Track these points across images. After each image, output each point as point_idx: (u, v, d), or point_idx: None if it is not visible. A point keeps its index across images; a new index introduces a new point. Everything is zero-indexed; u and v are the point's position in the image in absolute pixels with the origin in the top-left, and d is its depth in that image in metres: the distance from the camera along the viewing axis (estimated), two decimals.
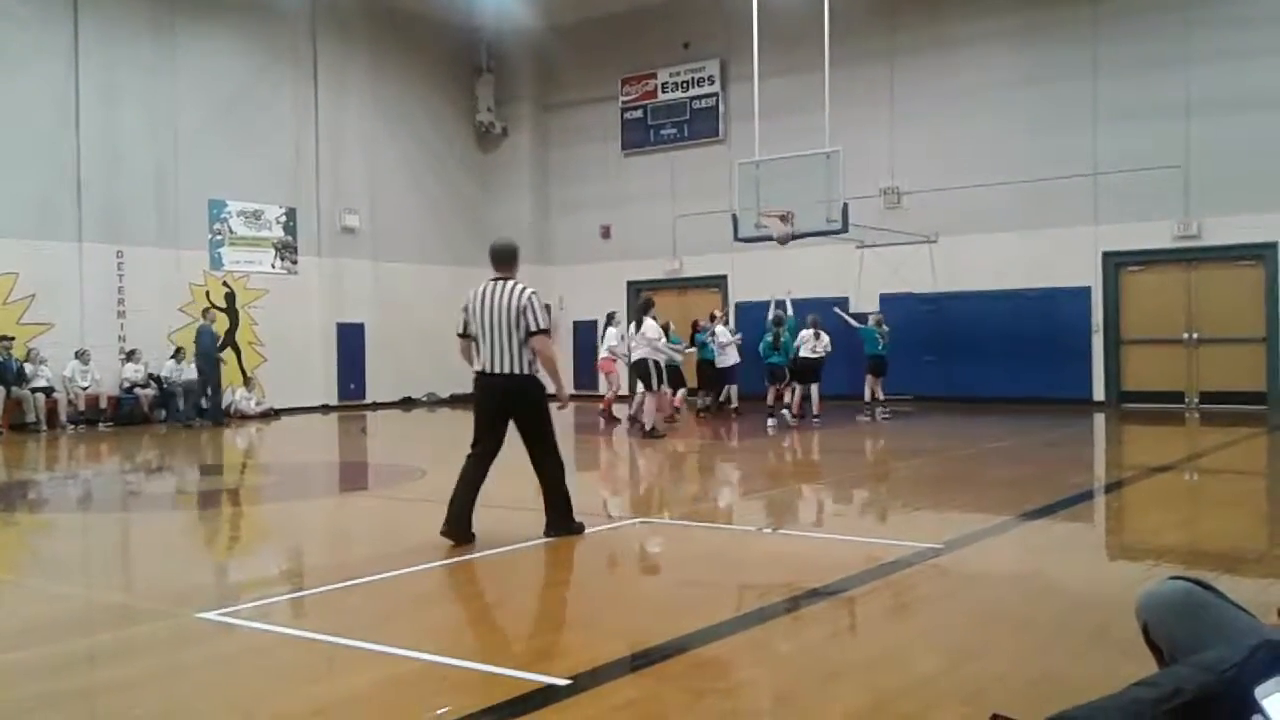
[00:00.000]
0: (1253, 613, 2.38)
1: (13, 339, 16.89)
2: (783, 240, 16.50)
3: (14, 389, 16.79)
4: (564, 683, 3.82)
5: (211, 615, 5.02)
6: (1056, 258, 18.62)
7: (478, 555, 6.52)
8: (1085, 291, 18.61)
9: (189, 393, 18.80)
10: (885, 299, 20.34)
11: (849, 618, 5.12)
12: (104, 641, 4.81)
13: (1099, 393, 18.57)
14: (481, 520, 6.78)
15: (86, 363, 17.76)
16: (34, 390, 17.08)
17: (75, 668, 4.44)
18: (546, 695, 3.71)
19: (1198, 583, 2.40)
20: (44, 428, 17.01)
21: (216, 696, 4.02)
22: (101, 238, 18.23)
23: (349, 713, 3.78)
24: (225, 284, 20.19)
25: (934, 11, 19.89)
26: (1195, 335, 17.90)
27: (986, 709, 3.19)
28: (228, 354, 19.74)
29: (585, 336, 24.39)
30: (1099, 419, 17.27)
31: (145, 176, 18.84)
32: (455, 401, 23.64)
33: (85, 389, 17.77)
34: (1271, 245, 17.12)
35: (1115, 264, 18.52)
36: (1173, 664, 2.19)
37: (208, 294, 19.84)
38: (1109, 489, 10.02)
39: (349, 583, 5.79)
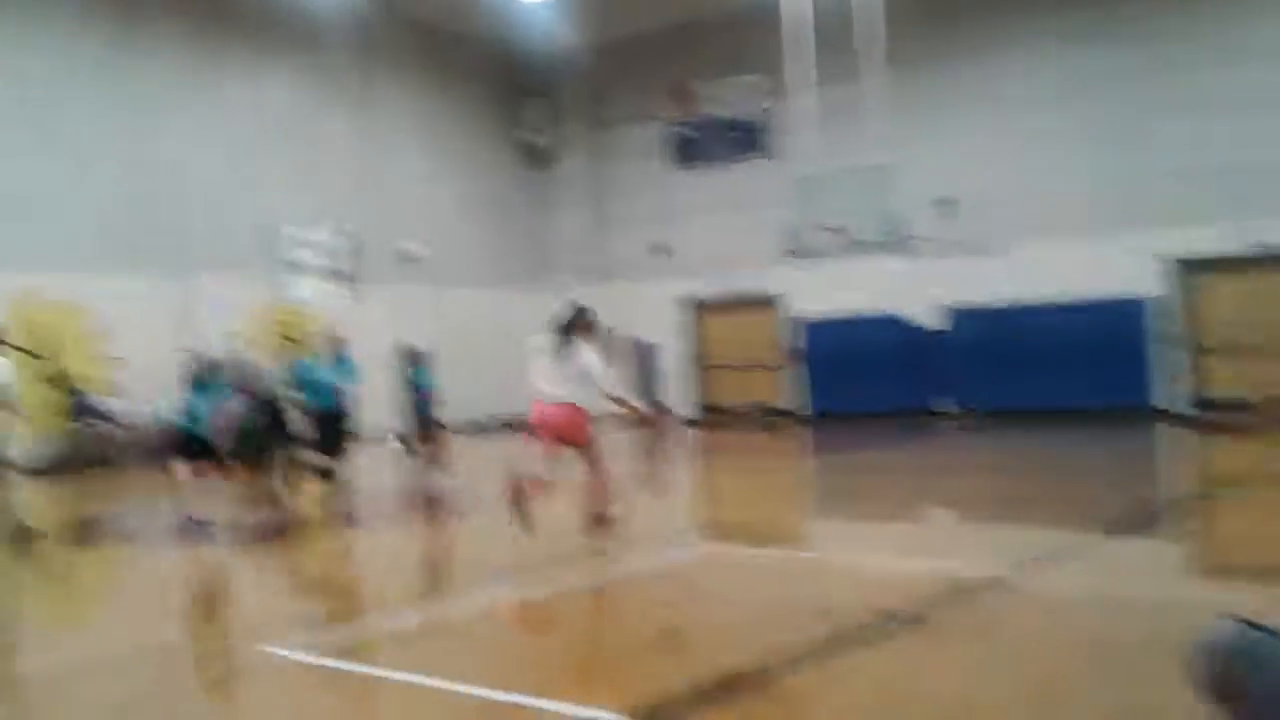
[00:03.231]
0: None
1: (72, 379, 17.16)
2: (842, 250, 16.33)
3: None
4: (623, 719, 3.75)
5: (273, 649, 5.03)
6: (1124, 264, 18.12)
7: (537, 589, 6.47)
8: (1155, 299, 18.12)
9: None
10: (947, 310, 20.04)
11: (919, 649, 4.97)
12: (171, 677, 4.84)
13: (1173, 403, 18.05)
14: (538, 549, 6.72)
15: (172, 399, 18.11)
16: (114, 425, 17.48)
17: (146, 703, 4.46)
18: None
19: (1250, 623, 2.32)
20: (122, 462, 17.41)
21: None
22: (168, 271, 18.62)
23: None
24: (291, 313, 20.47)
25: (986, 15, 19.57)
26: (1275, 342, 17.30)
27: None
28: None
29: (645, 355, 24.38)
30: (1175, 431, 16.79)
31: (204, 207, 19.21)
32: (517, 426, 23.72)
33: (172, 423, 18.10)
34: None
35: (1187, 270, 18.00)
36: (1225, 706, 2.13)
37: (279, 325, 20.14)
38: (1189, 504, 9.71)
39: (410, 616, 5.78)
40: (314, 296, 20.97)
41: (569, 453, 7.61)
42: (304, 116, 20.96)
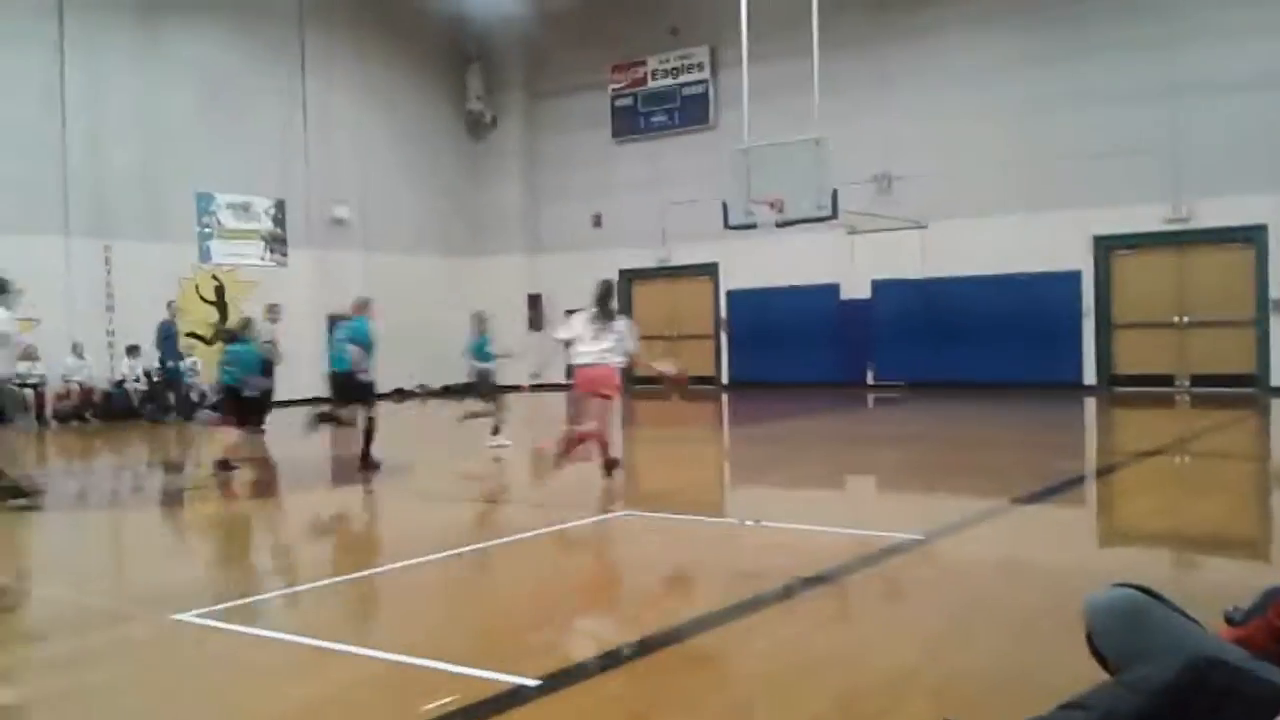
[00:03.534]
0: (1196, 619, 2.35)
1: None
2: (777, 223, 16.44)
3: None
4: (533, 683, 3.80)
5: (188, 617, 4.99)
6: (1047, 241, 18.57)
7: (459, 551, 6.49)
8: (1076, 275, 18.57)
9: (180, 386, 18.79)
10: (877, 285, 20.33)
11: (830, 610, 5.10)
12: (85, 644, 4.78)
13: (1090, 377, 18.55)
14: (464, 514, 6.76)
15: (82, 356, 17.74)
16: (23, 386, 17.02)
17: (57, 670, 4.41)
18: (514, 697, 3.69)
19: (1144, 590, 2.37)
20: (35, 423, 16.99)
21: (194, 701, 4.00)
22: (89, 231, 18.14)
23: (320, 717, 3.76)
24: (215, 277, 20.10)
25: None
26: (1185, 318, 17.88)
27: (954, 707, 3.17)
28: (219, 347, 19.66)
29: None
30: (1090, 403, 17.27)
31: (132, 169, 18.74)
32: (448, 393, 23.59)
33: (81, 385, 17.75)
34: (1261, 227, 17.08)
35: (1106, 247, 18.48)
36: (1118, 673, 2.17)
37: (197, 288, 19.77)
38: (1099, 474, 10.01)
39: (326, 581, 5.76)
40: (241, 260, 20.63)
41: (594, 404, 8.84)
42: (239, 79, 20.45)
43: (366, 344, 10.38)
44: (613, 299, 9.07)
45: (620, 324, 8.89)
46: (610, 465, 8.99)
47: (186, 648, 4.74)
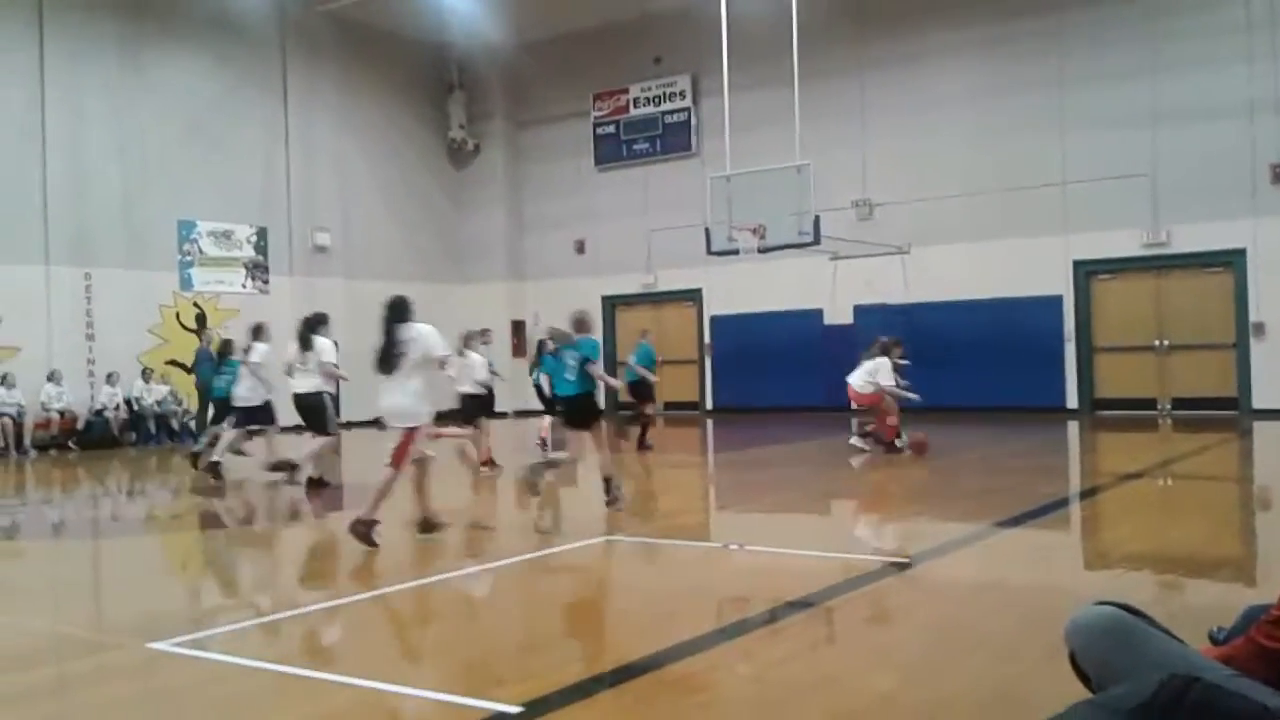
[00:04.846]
0: (1179, 636, 2.34)
1: None
2: (760, 249, 16.49)
3: None
4: (515, 710, 3.75)
5: (162, 645, 4.92)
6: (1027, 267, 18.70)
7: (441, 577, 6.43)
8: (1057, 300, 18.69)
9: (161, 415, 18.64)
10: (859, 310, 20.38)
11: (811, 635, 5.07)
12: (56, 674, 4.71)
13: (1072, 400, 18.63)
14: (448, 540, 6.70)
15: (60, 384, 17.59)
16: (1, 415, 16.88)
17: (34, 700, 4.33)
18: None
19: (1125, 607, 2.36)
20: (13, 452, 16.83)
21: None
22: (69, 260, 18.05)
23: None
24: (196, 305, 20.02)
25: (902, 24, 19.99)
26: (1166, 342, 18.00)
27: None
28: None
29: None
30: (1072, 426, 17.32)
31: (113, 198, 18.69)
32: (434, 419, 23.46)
33: (62, 413, 17.58)
34: (1240, 251, 17.25)
35: (1086, 272, 18.62)
36: (1099, 691, 2.16)
37: (177, 315, 19.68)
38: (1082, 497, 10.03)
39: (306, 609, 5.70)
40: (223, 288, 20.55)
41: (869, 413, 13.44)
42: (221, 108, 20.45)
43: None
44: (892, 349, 13.34)
45: (874, 362, 13.10)
46: (889, 447, 12.94)
47: (163, 676, 4.67)
